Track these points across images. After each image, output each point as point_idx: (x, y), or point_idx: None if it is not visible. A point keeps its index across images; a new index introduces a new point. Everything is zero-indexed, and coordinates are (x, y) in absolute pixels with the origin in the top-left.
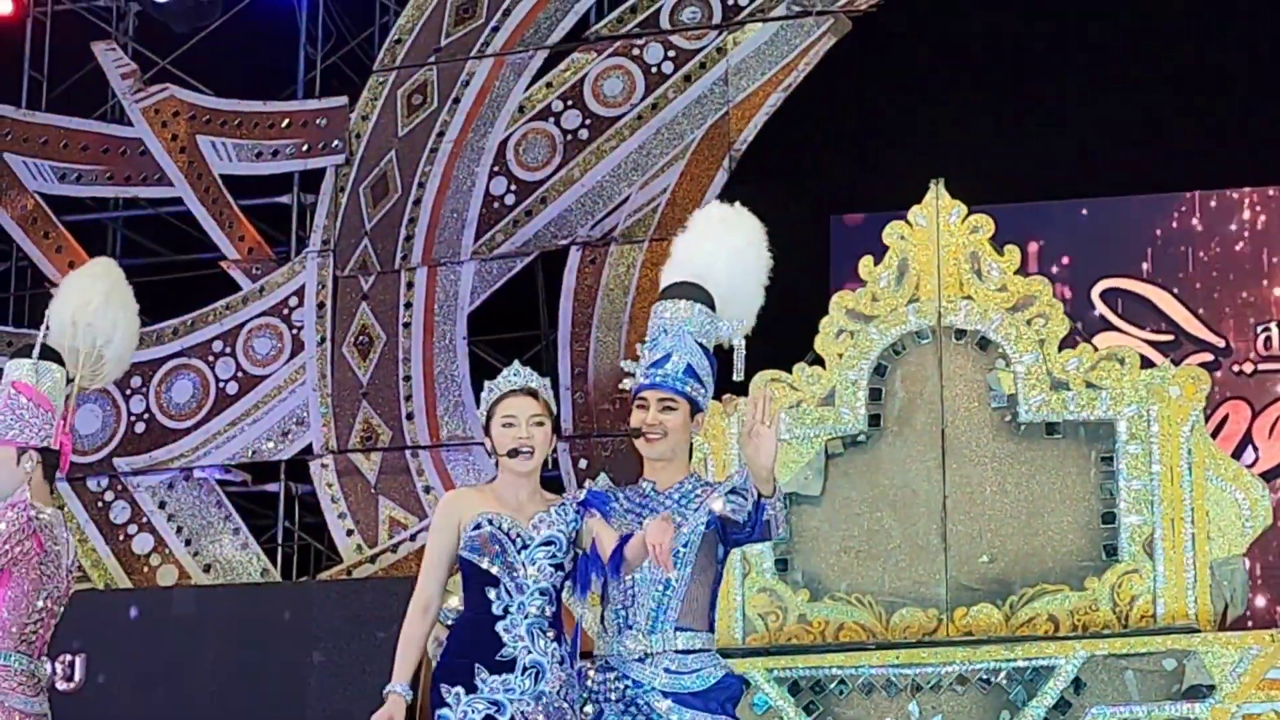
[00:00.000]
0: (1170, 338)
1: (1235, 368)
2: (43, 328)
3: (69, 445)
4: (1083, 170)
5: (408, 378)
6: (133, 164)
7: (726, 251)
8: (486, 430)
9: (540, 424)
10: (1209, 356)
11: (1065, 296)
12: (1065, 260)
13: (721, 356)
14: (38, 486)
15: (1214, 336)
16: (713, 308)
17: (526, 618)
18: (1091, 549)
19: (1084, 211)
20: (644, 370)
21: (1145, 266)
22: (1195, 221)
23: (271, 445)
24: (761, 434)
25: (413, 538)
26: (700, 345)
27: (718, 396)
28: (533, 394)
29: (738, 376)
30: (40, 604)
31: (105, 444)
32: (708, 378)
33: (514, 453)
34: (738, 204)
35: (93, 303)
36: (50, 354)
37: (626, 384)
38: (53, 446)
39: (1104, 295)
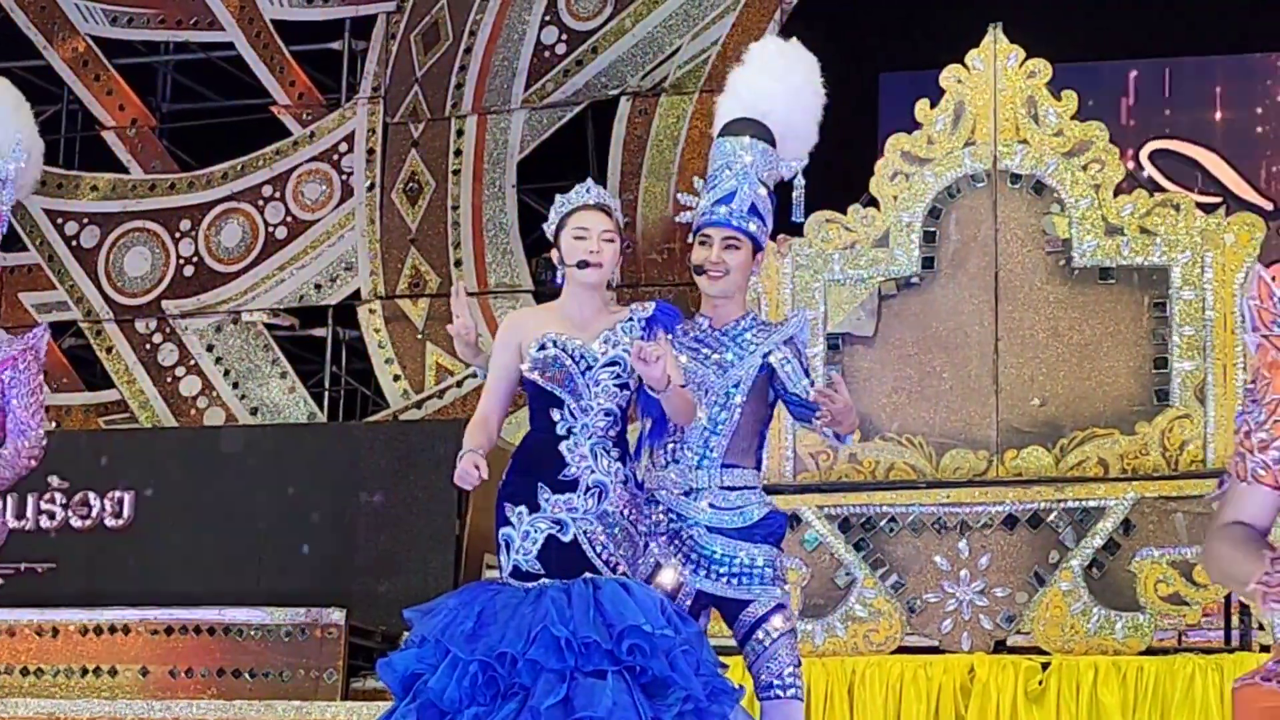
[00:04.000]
0: (1219, 200)
1: None
2: None
3: None
4: (1135, 32)
5: (456, 225)
6: (184, 8)
7: (784, 89)
8: (556, 242)
9: (610, 240)
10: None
11: None
12: (1115, 121)
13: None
14: None
15: (1262, 200)
16: (774, 144)
17: (590, 437)
18: (1143, 394)
19: (1134, 73)
20: (708, 206)
21: (1196, 129)
22: (1245, 84)
23: (319, 290)
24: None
25: (459, 384)
26: (762, 182)
27: (773, 237)
28: (605, 210)
29: (797, 217)
30: None
31: (154, 287)
32: (769, 215)
33: (583, 264)
34: (794, 40)
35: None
36: None
37: (684, 217)
38: None
39: (1153, 156)
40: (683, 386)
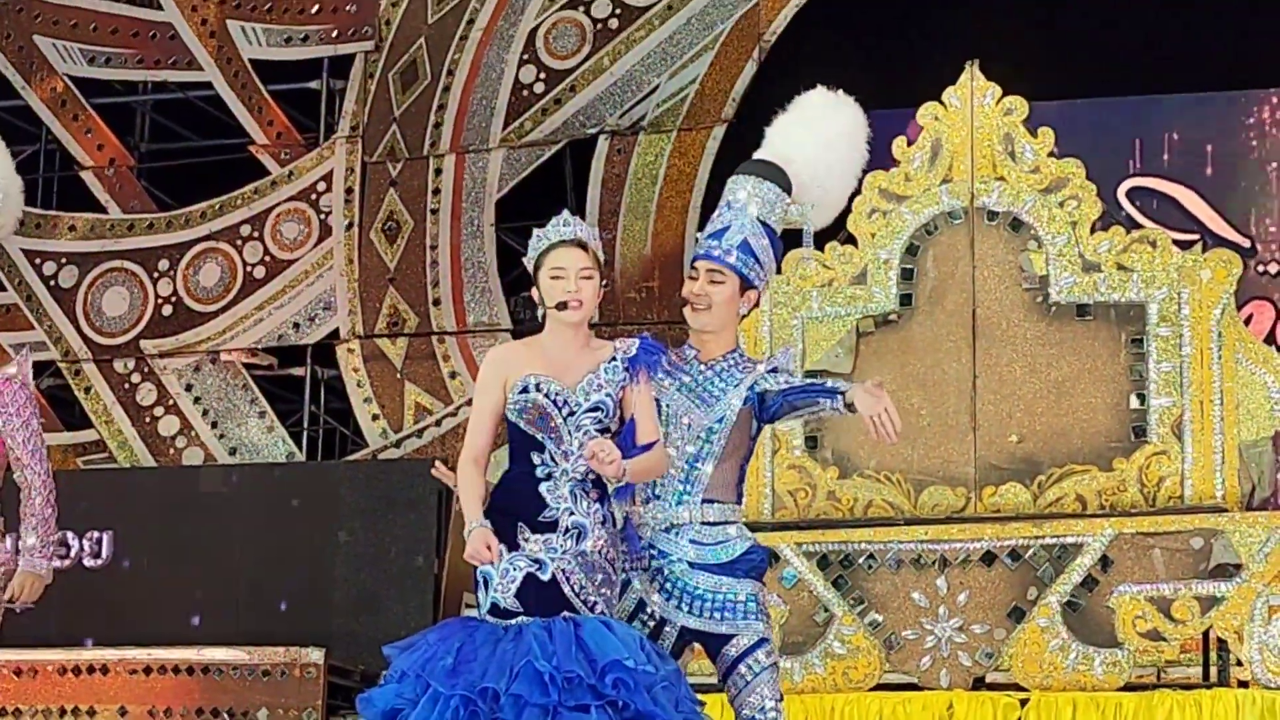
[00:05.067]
0: (1196, 237)
1: (1260, 268)
2: None
3: None
4: (1112, 69)
5: (435, 264)
6: (162, 47)
7: (815, 138)
8: (535, 280)
9: (589, 277)
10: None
11: None
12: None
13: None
14: None
15: (1239, 236)
16: (788, 189)
17: (570, 480)
18: (1120, 430)
19: (1111, 109)
20: (701, 240)
21: (1171, 166)
22: (1222, 120)
23: (298, 329)
24: (881, 396)
25: (438, 423)
26: (762, 223)
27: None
28: (582, 245)
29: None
30: None
31: (132, 326)
32: (766, 256)
33: (562, 305)
34: (841, 92)
35: None
36: None
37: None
38: None
39: (1130, 194)
40: (648, 447)
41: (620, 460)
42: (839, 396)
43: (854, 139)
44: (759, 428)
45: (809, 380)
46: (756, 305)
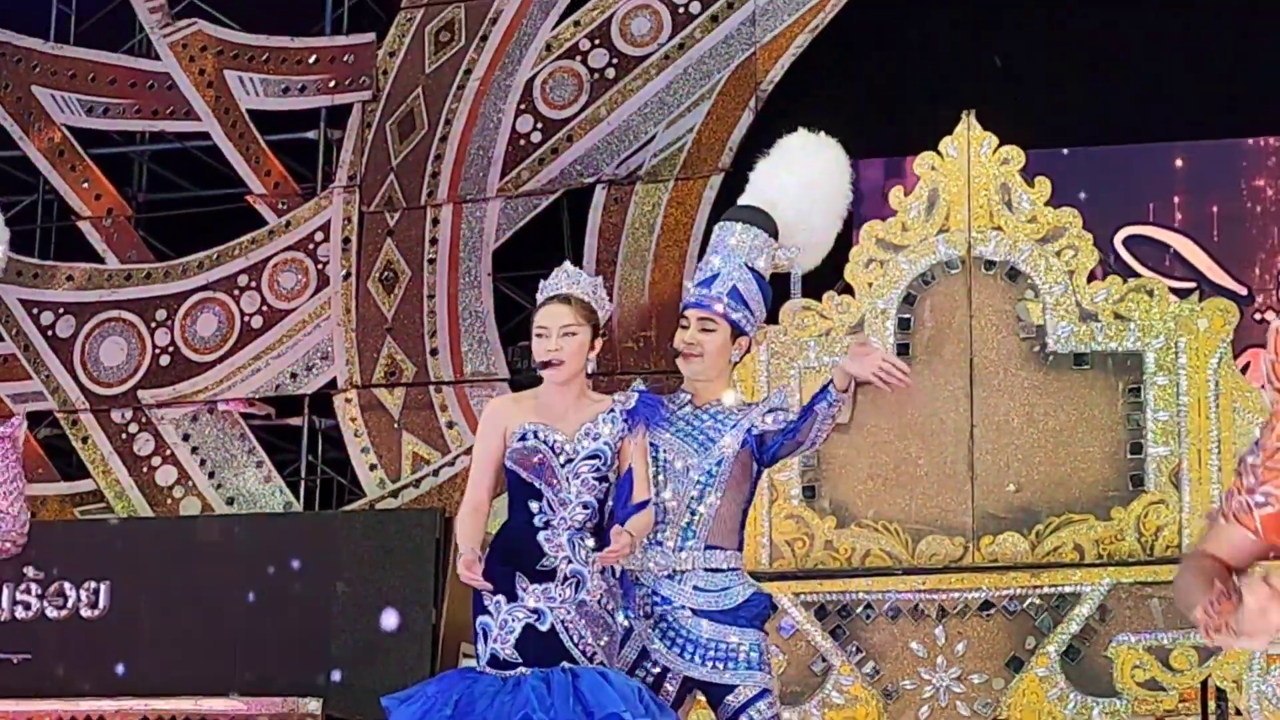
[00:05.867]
0: (1193, 285)
1: (1258, 316)
2: None
3: None
4: (1110, 117)
5: (432, 313)
6: (160, 98)
7: (797, 180)
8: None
9: (572, 333)
10: (1232, 304)
11: None
12: (1087, 207)
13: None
14: None
15: (1236, 284)
16: (774, 234)
17: (568, 529)
18: (1118, 479)
19: (1107, 158)
20: (690, 289)
21: (1168, 214)
22: (1218, 169)
23: (295, 379)
24: (872, 350)
25: (435, 473)
26: (751, 270)
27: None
28: (566, 301)
29: (795, 297)
30: None
31: (129, 376)
32: (756, 303)
33: (544, 365)
34: (822, 134)
35: None
36: None
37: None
38: None
39: (1127, 242)
40: (642, 506)
41: (629, 540)
42: (829, 389)
43: (837, 179)
44: (759, 471)
45: (793, 422)
46: (749, 352)
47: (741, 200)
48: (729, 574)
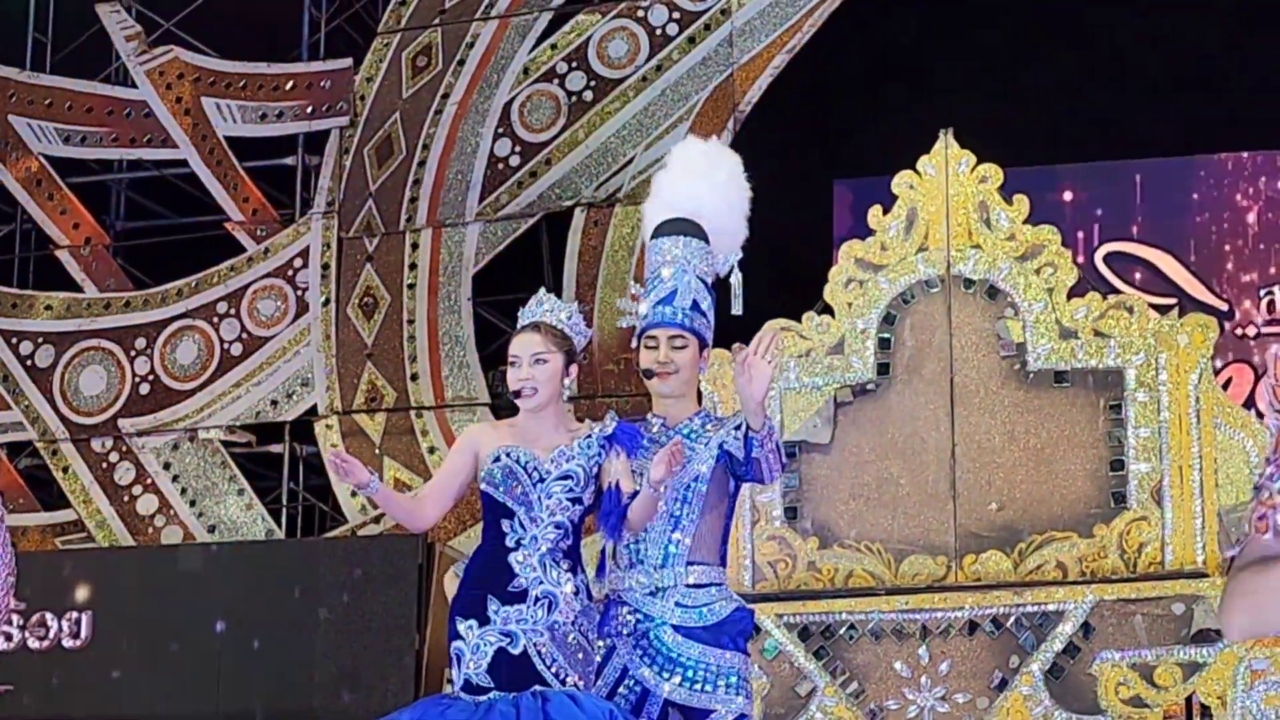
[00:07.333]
0: (1173, 301)
1: (1238, 331)
2: None
3: None
4: (1087, 135)
5: (412, 339)
6: (137, 126)
7: (710, 186)
8: None
9: (544, 361)
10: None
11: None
12: (1067, 223)
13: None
14: None
15: (1217, 300)
16: (707, 241)
17: (540, 549)
18: (1100, 496)
19: (1087, 175)
20: (650, 308)
21: (1147, 230)
22: (1198, 185)
23: (276, 406)
24: (755, 364)
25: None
26: (701, 280)
27: (719, 335)
28: (537, 329)
29: (736, 310)
30: None
31: (109, 405)
32: (710, 312)
33: (516, 394)
34: (714, 138)
35: None
36: None
37: (624, 322)
38: None
39: (1107, 259)
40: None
41: (680, 449)
42: (750, 436)
43: (740, 181)
44: (736, 485)
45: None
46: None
47: (655, 214)
48: (711, 589)
